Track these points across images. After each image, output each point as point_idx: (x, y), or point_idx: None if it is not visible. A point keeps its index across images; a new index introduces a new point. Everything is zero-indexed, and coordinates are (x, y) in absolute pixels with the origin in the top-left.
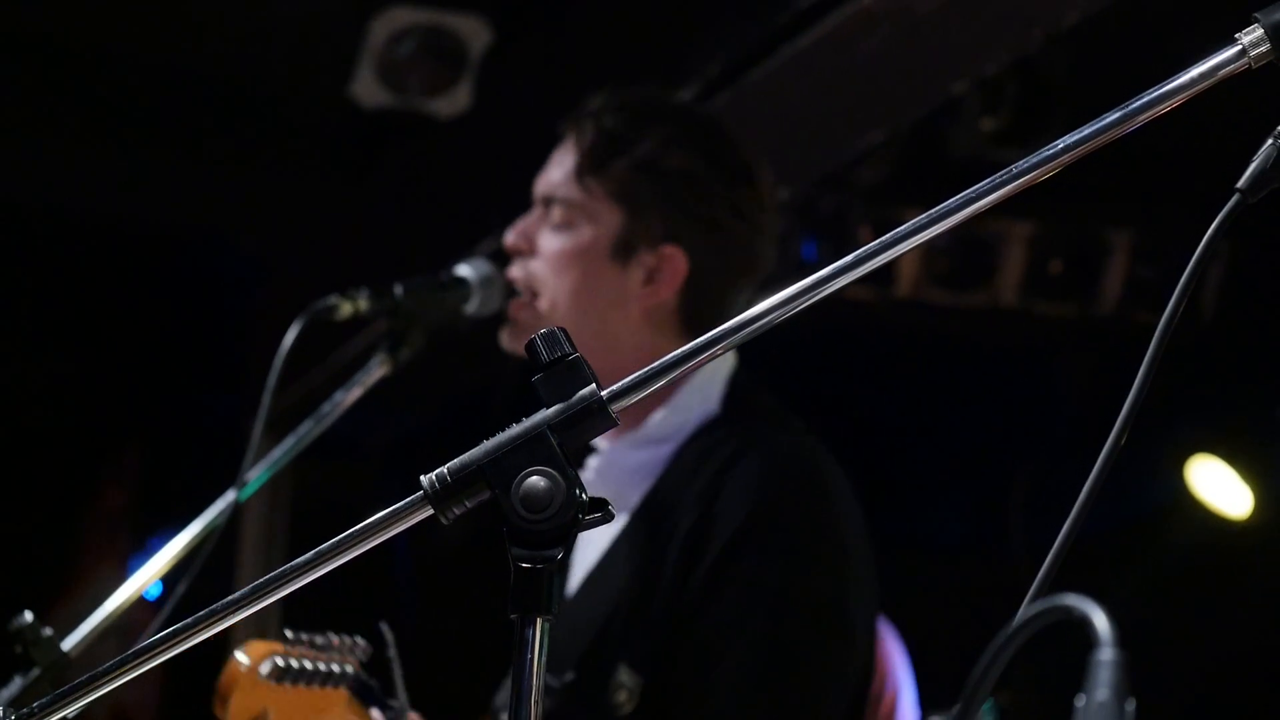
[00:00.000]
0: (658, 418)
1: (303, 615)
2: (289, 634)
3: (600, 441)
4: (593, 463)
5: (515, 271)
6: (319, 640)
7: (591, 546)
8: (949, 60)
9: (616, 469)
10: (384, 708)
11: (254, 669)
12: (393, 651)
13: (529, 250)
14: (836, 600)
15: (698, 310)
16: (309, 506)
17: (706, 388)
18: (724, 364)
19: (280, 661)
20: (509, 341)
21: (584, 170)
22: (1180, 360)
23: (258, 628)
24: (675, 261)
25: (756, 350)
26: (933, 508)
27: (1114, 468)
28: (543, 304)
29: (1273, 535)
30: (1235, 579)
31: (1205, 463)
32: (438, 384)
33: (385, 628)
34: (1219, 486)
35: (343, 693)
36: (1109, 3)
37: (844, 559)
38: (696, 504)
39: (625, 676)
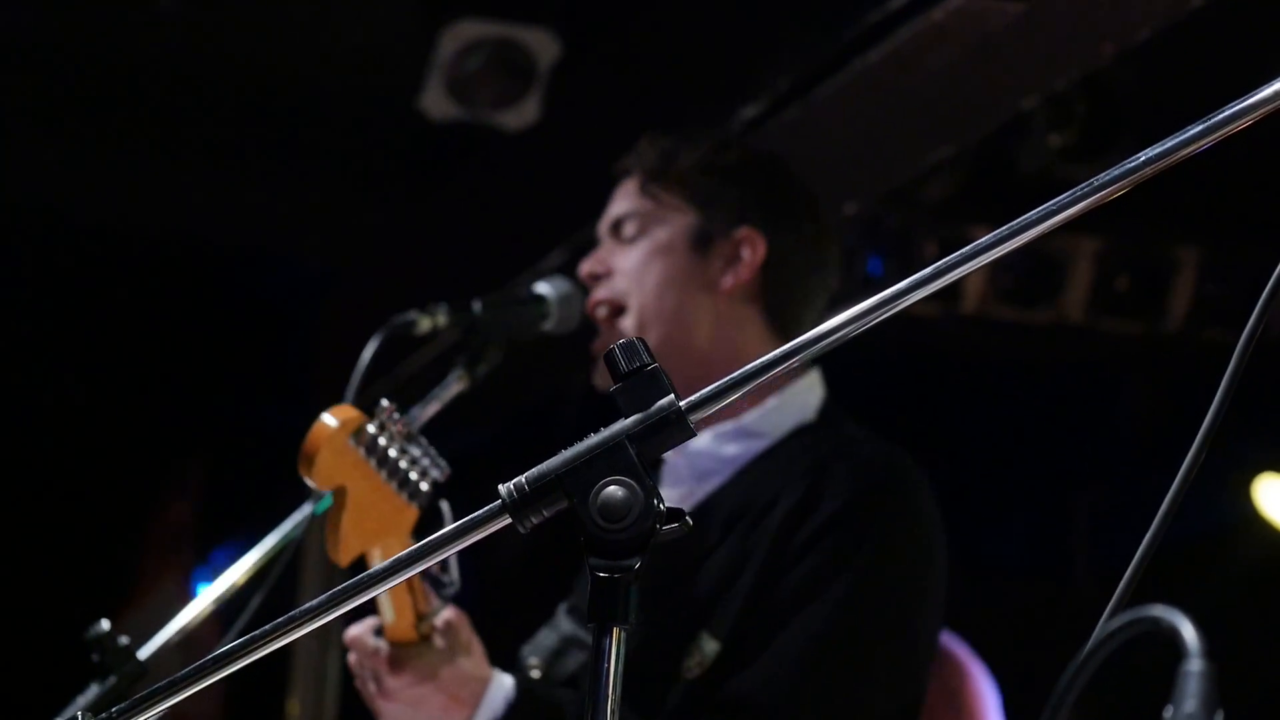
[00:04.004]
0: (755, 415)
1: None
2: (385, 402)
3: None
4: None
5: (599, 294)
6: (411, 428)
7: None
8: (1018, 76)
9: (707, 458)
10: (437, 584)
11: (343, 432)
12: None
13: (606, 273)
14: (912, 606)
15: (779, 293)
16: None
17: (806, 395)
18: (819, 382)
19: (373, 429)
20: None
21: (648, 181)
22: (1247, 378)
23: (321, 643)
24: (753, 242)
25: (819, 365)
26: (996, 525)
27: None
28: (629, 317)
29: None
30: None
31: (1272, 481)
32: (502, 399)
33: (446, 505)
34: None
35: (413, 515)
36: (1180, 19)
37: (927, 572)
38: (801, 486)
39: (706, 644)
